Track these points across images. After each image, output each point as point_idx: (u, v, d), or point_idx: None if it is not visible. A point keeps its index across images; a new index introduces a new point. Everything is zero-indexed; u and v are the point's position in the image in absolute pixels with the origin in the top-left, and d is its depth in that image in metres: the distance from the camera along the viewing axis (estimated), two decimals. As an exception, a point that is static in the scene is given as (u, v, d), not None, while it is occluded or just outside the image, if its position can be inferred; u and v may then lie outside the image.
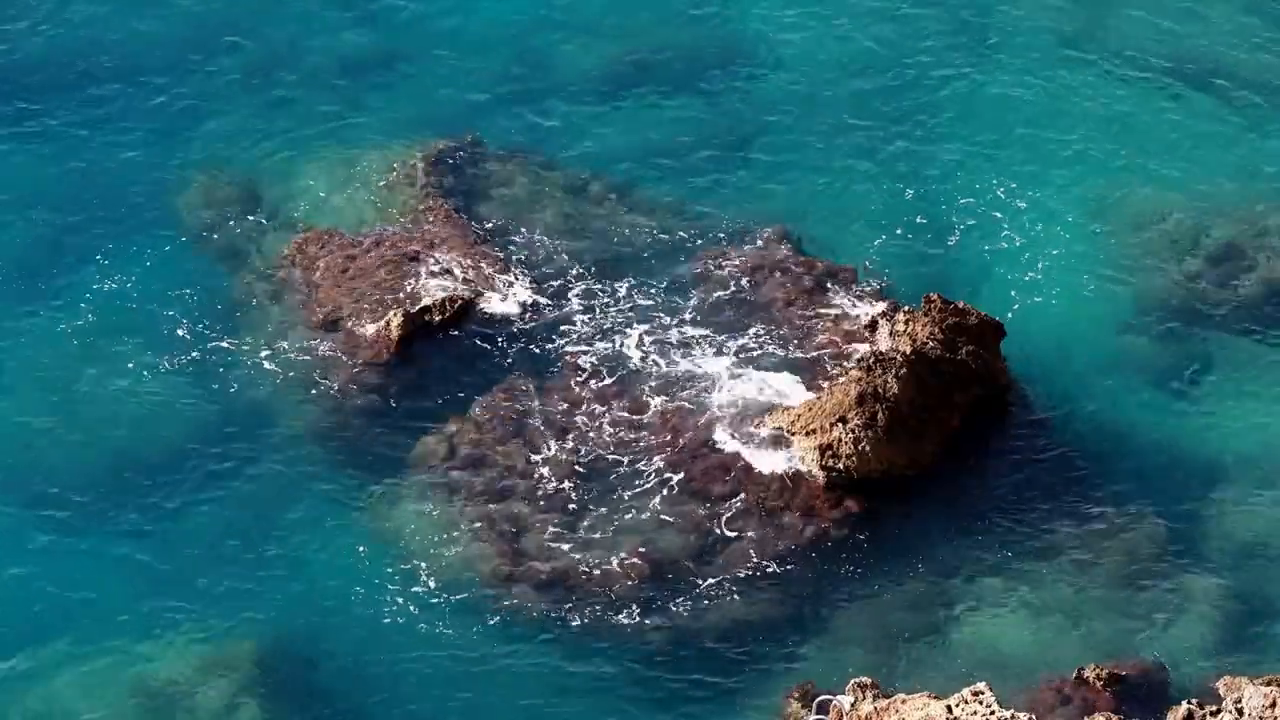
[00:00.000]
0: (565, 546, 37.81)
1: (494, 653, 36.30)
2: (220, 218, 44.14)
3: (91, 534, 37.94)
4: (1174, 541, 38.15)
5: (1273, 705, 33.88)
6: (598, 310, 42.16)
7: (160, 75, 47.66)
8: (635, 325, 41.77)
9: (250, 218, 44.12)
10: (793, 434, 38.90)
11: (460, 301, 41.76)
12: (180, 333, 41.49)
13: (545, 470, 39.04)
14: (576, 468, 39.09)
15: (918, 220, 44.41)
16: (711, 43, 49.11)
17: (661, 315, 41.98)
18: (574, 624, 36.70)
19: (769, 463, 39.10)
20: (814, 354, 41.08)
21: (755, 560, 37.66)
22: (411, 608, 36.85)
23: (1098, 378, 41.14)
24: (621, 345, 41.38)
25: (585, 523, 38.27)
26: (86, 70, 47.75)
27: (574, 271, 42.89)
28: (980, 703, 33.85)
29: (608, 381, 40.67)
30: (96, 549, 37.68)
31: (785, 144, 46.39)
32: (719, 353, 41.19)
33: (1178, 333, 42.15)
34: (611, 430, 39.73)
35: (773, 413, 39.55)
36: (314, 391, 40.46)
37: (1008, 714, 33.67)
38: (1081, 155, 45.98)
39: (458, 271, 42.59)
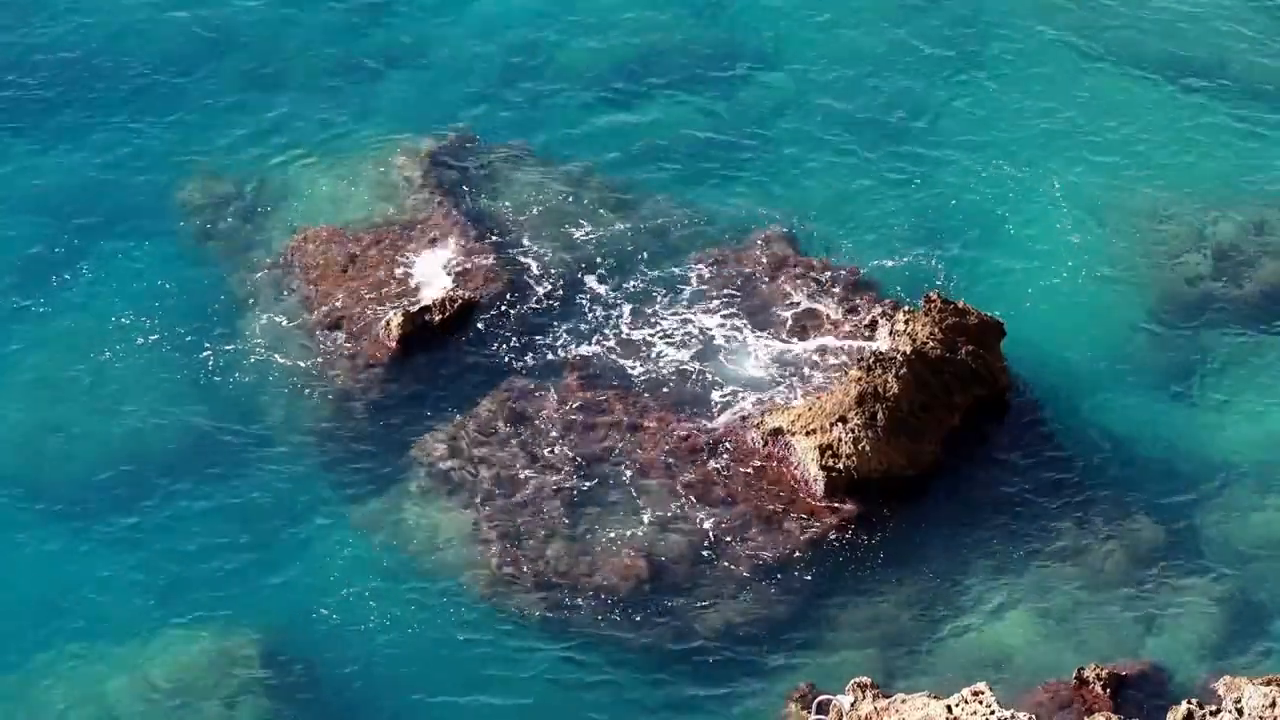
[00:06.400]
0: (564, 548, 37.81)
1: (492, 654, 36.29)
2: (219, 217, 44.11)
3: (90, 533, 37.93)
4: (1174, 542, 38.16)
5: (1273, 705, 33.89)
6: (597, 310, 42.14)
7: (160, 73, 47.64)
8: (635, 324, 41.74)
9: (250, 217, 44.11)
10: (792, 434, 38.88)
11: (460, 301, 41.73)
12: (179, 332, 41.47)
13: (544, 471, 39.02)
14: (575, 468, 39.07)
15: (919, 220, 44.40)
16: (713, 40, 49.09)
17: (661, 314, 41.97)
18: (573, 626, 36.71)
19: (769, 463, 39.09)
20: (815, 354, 41.08)
21: (754, 561, 37.64)
22: (410, 608, 36.86)
23: (1098, 377, 41.14)
24: (621, 345, 41.36)
25: (584, 524, 38.26)
26: (87, 68, 47.70)
27: (574, 270, 42.87)
28: (980, 703, 33.87)
29: (607, 381, 40.68)
30: (95, 548, 37.65)
31: (787, 143, 46.36)
32: (718, 352, 41.17)
33: (1178, 333, 42.14)
34: (611, 430, 39.72)
35: (772, 412, 39.54)
36: (314, 391, 40.45)
37: (1008, 714, 33.68)
38: (1083, 155, 45.98)
39: (458, 270, 42.58)
